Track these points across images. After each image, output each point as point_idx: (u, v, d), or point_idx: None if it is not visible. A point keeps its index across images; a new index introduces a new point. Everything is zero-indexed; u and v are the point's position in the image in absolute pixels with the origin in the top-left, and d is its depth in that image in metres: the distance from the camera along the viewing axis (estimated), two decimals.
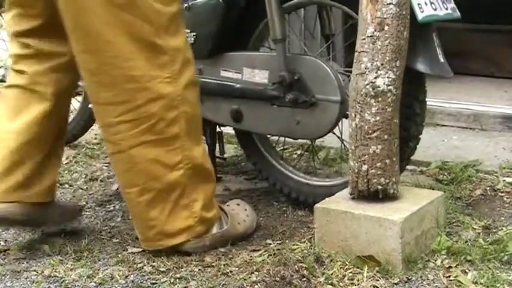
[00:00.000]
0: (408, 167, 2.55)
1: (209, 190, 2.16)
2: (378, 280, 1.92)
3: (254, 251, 2.16)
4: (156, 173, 2.05)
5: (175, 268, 2.06)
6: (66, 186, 2.87)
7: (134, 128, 2.02)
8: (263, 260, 2.07)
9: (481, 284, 1.88)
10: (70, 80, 2.21)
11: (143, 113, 2.01)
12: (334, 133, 2.43)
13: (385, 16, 1.95)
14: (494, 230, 2.22)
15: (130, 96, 2.00)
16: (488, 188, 2.62)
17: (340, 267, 1.98)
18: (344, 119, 2.33)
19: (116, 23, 1.94)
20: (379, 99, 1.97)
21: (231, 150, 3.18)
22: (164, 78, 2.00)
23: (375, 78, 1.97)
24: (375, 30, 1.96)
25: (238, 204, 2.34)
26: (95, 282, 2.00)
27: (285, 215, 2.45)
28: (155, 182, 2.06)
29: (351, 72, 2.09)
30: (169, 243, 2.11)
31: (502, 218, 2.35)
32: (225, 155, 2.96)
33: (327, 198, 2.13)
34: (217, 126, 2.77)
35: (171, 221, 2.09)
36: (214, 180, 2.20)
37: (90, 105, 2.60)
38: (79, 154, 3.25)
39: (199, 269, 2.05)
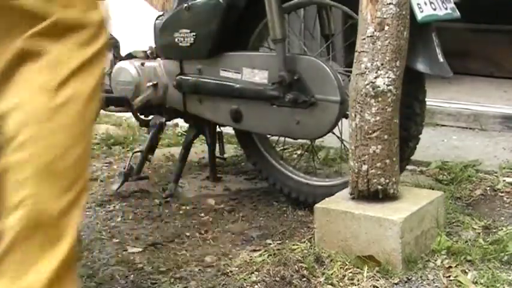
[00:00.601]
0: (408, 167, 2.55)
1: (57, 263, 1.44)
2: (378, 280, 1.92)
3: (254, 251, 2.16)
4: None
5: (175, 268, 2.06)
6: None
7: None
8: (263, 260, 2.07)
9: (481, 284, 1.88)
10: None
11: None
12: (334, 133, 2.43)
13: (385, 16, 1.95)
14: (494, 230, 2.22)
15: None
16: (488, 188, 2.62)
17: (340, 267, 1.98)
18: (344, 119, 2.33)
19: None
20: (379, 99, 1.97)
21: (231, 150, 3.18)
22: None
23: (375, 78, 1.97)
24: (375, 30, 1.96)
25: None
26: (95, 282, 2.00)
27: (285, 215, 2.45)
28: None
29: (350, 72, 2.09)
30: None
31: (502, 218, 2.35)
32: (225, 155, 2.96)
33: (327, 198, 2.13)
34: (217, 126, 2.77)
35: None
36: (71, 252, 1.47)
37: None
38: None
39: (199, 269, 2.05)
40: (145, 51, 2.75)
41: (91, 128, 1.59)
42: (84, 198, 1.55)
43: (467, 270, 1.96)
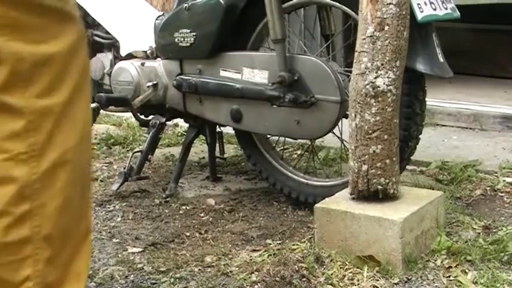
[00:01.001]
0: (408, 167, 2.55)
1: None
2: (377, 280, 1.92)
3: (254, 251, 2.16)
4: None
5: (175, 268, 2.06)
6: None
7: None
8: (263, 260, 2.07)
9: (481, 284, 1.88)
10: None
11: None
12: (334, 133, 2.43)
13: (385, 16, 1.95)
14: (494, 230, 2.22)
15: None
16: (488, 188, 2.62)
17: (340, 267, 1.98)
18: (344, 119, 2.33)
19: None
20: (379, 99, 1.97)
21: (231, 150, 3.18)
22: (17, 155, 1.33)
23: (375, 78, 1.97)
24: (375, 30, 1.96)
25: None
26: (95, 282, 2.00)
27: (285, 215, 2.45)
28: None
29: (351, 72, 2.09)
30: None
31: (502, 218, 2.35)
32: (225, 155, 2.96)
33: (327, 198, 2.13)
34: (217, 126, 2.77)
35: None
36: None
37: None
38: None
39: (199, 269, 2.05)
40: (145, 51, 2.76)
41: (89, 175, 1.47)
42: (88, 239, 1.47)
43: (467, 270, 1.96)
